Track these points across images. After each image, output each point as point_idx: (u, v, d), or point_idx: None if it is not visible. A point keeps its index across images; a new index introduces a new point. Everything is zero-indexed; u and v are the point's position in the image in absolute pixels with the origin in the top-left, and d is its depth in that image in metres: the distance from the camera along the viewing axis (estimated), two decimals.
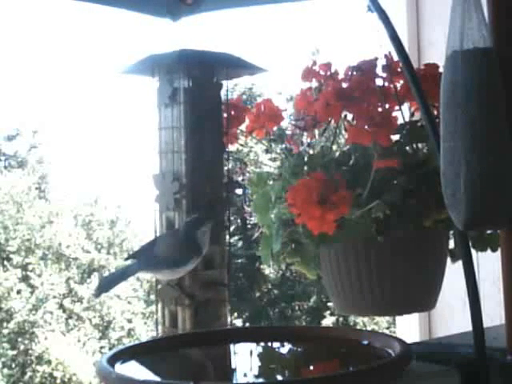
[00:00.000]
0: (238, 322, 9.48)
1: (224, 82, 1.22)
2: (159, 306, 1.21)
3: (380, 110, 1.05)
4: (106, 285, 1.15)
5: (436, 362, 1.00)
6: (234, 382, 0.86)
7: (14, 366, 9.92)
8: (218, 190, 1.20)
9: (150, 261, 1.15)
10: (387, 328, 9.12)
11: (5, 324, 10.12)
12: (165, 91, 1.19)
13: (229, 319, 1.20)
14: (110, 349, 8.83)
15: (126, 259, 1.19)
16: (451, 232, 1.07)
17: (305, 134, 1.13)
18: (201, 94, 1.19)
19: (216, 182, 1.20)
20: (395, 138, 1.06)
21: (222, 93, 1.22)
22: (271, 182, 1.12)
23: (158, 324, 1.21)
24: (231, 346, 0.96)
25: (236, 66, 1.23)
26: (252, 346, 0.94)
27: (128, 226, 11.92)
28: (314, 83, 1.12)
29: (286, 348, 0.95)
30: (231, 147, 1.23)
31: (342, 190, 0.97)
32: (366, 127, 0.99)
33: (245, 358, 0.93)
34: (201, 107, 1.19)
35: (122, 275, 1.16)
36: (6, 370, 9.79)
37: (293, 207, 0.97)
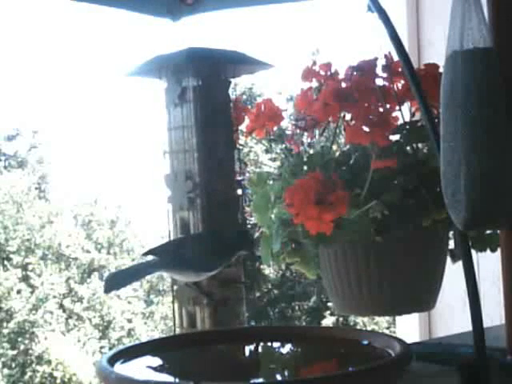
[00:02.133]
0: None
1: (232, 80, 1.22)
2: (176, 306, 1.20)
3: (380, 109, 1.05)
4: (120, 281, 1.09)
5: (436, 362, 1.00)
6: (234, 382, 0.86)
7: (14, 365, 9.92)
8: (230, 188, 1.20)
9: (176, 261, 1.11)
10: (387, 328, 9.12)
11: (5, 324, 10.12)
12: (173, 91, 1.19)
13: (246, 317, 1.20)
14: (110, 349, 8.83)
15: (144, 254, 1.13)
16: (451, 232, 1.07)
17: (305, 134, 1.13)
18: (210, 91, 1.19)
19: (228, 180, 1.20)
20: (395, 138, 1.06)
21: (230, 90, 1.22)
22: (271, 182, 1.12)
23: (175, 325, 1.20)
24: (231, 346, 0.96)
25: (243, 63, 1.23)
26: (252, 346, 0.94)
27: (128, 226, 11.93)
28: (315, 83, 1.12)
29: (286, 348, 0.95)
30: None
31: (339, 190, 0.97)
32: (364, 127, 0.99)
33: (245, 358, 0.93)
34: (210, 105, 1.19)
35: (137, 272, 1.12)
36: (6, 370, 9.80)
37: (290, 207, 0.97)
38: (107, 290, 1.09)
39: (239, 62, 1.22)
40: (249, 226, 1.25)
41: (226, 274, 1.17)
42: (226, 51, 1.22)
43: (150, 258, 1.14)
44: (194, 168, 1.18)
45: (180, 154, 1.19)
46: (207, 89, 1.18)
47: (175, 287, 1.20)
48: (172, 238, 1.20)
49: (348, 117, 1.07)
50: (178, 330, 1.19)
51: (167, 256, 1.13)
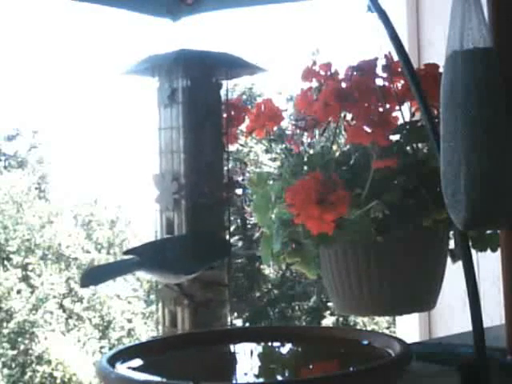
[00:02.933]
0: (238, 322, 9.48)
1: (224, 82, 1.22)
2: (159, 305, 1.21)
3: (380, 109, 1.05)
4: (98, 277, 1.09)
5: (436, 362, 1.00)
6: (234, 382, 0.86)
7: (14, 365, 9.92)
8: (217, 190, 1.20)
9: (156, 261, 1.12)
10: (387, 328, 9.12)
11: (5, 324, 10.12)
12: (164, 91, 1.20)
13: (229, 319, 1.20)
14: (110, 349, 8.83)
15: (126, 253, 1.13)
16: (451, 232, 1.07)
17: (305, 134, 1.13)
18: (200, 94, 1.19)
19: (215, 182, 1.20)
20: (395, 138, 1.06)
21: (222, 93, 1.22)
22: (271, 182, 1.12)
23: (158, 324, 1.21)
24: (231, 346, 0.96)
25: (235, 66, 1.23)
26: (252, 345, 0.94)
27: (128, 226, 11.93)
28: (315, 83, 1.12)
29: (285, 348, 0.95)
30: (231, 147, 1.23)
31: (340, 190, 0.97)
32: (365, 127, 0.99)
33: (245, 358, 0.93)
34: (200, 107, 1.19)
35: (118, 269, 1.12)
36: (5, 370, 9.79)
37: (292, 207, 0.97)
38: (84, 285, 1.07)
39: (230, 65, 1.22)
40: (249, 226, 1.25)
41: (209, 276, 1.17)
42: (217, 53, 1.21)
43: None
44: (180, 169, 1.18)
45: (168, 155, 1.20)
46: (196, 91, 1.19)
47: (159, 286, 1.20)
48: (157, 238, 1.20)
49: (348, 117, 1.07)
50: (160, 329, 1.20)
51: (147, 256, 1.12)
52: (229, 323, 1.20)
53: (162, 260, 1.12)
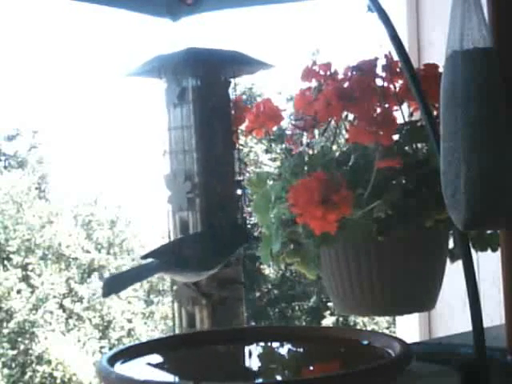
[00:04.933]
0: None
1: (231, 80, 1.22)
2: (175, 306, 1.20)
3: (380, 109, 1.05)
4: (118, 285, 1.08)
5: (436, 362, 1.00)
6: (234, 382, 0.86)
7: (14, 365, 9.92)
8: (229, 189, 1.20)
9: (175, 262, 1.11)
10: (387, 328, 9.11)
11: (5, 324, 10.12)
12: (173, 91, 1.19)
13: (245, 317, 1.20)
14: (110, 349, 8.83)
15: (143, 258, 1.12)
16: (451, 232, 1.07)
17: (305, 134, 1.13)
18: (209, 92, 1.19)
19: (227, 181, 1.20)
20: (395, 138, 1.06)
21: (230, 91, 1.22)
22: (271, 182, 1.12)
23: (174, 325, 1.20)
24: (231, 346, 0.96)
25: (243, 63, 1.23)
26: (252, 345, 0.94)
27: (128, 226, 11.93)
28: (314, 83, 1.12)
29: (285, 348, 0.95)
30: None
31: (343, 190, 0.96)
32: (367, 127, 0.99)
33: (245, 358, 0.93)
34: (210, 105, 1.19)
35: (137, 275, 1.12)
36: (5, 370, 9.79)
37: (294, 207, 0.97)
38: (106, 294, 1.07)
39: (239, 63, 1.22)
40: (249, 226, 1.25)
41: (225, 274, 1.17)
42: (225, 51, 1.22)
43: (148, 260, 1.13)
44: (193, 168, 1.18)
45: (179, 155, 1.20)
46: (206, 89, 1.19)
47: (174, 287, 1.20)
48: (171, 239, 1.20)
49: (350, 117, 1.07)
50: (177, 330, 1.20)
51: (166, 258, 1.12)
52: (245, 321, 1.20)
53: (180, 260, 1.12)
